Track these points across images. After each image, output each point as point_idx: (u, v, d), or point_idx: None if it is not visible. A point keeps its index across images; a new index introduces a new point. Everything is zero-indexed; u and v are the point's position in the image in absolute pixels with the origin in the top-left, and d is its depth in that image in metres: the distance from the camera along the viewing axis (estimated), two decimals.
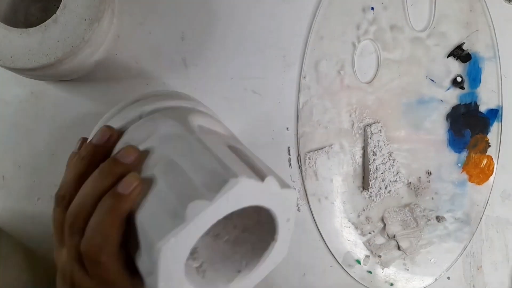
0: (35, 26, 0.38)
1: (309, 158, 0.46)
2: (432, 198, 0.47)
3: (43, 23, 0.38)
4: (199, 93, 0.47)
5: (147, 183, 0.28)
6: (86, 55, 0.41)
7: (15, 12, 0.44)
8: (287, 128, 0.47)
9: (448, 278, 0.47)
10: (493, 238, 0.48)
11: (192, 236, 0.26)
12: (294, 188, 0.40)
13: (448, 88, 0.48)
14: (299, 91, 0.46)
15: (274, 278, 0.46)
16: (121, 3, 0.46)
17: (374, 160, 0.46)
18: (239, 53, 0.47)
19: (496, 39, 0.48)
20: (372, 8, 0.47)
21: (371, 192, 0.46)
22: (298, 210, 0.47)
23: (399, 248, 0.46)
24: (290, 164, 0.47)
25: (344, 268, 0.46)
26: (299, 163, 0.46)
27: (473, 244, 0.47)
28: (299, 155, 0.46)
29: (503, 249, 0.48)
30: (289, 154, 0.47)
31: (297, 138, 0.46)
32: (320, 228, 0.46)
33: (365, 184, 0.47)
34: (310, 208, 0.46)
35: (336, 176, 0.47)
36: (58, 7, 0.38)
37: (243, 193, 0.26)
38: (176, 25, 0.47)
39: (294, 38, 0.47)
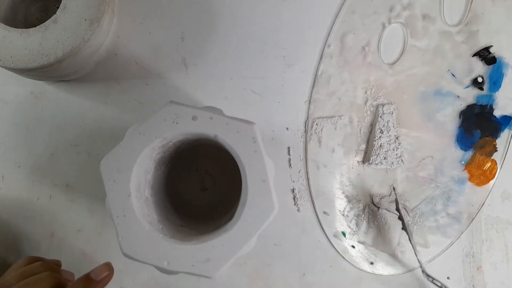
0: (35, 26, 0.38)
1: (316, 124, 0.47)
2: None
3: (43, 23, 0.38)
4: (199, 93, 0.47)
5: None
6: (86, 55, 0.41)
7: (15, 12, 0.44)
8: (287, 128, 0.47)
9: (448, 278, 0.47)
10: (493, 238, 0.48)
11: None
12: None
13: (467, 86, 0.48)
14: (321, 58, 0.47)
15: (274, 278, 0.46)
16: (121, 3, 0.46)
17: (380, 137, 0.46)
18: (239, 53, 0.47)
19: None
20: None
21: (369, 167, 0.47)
22: (298, 210, 0.47)
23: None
24: (290, 164, 0.47)
25: (327, 236, 0.46)
26: (306, 127, 0.47)
27: (473, 244, 0.47)
28: (307, 119, 0.47)
29: (503, 249, 0.48)
30: (289, 154, 0.47)
31: (309, 103, 0.47)
32: (312, 192, 0.47)
33: (365, 158, 0.47)
34: (307, 172, 0.47)
35: (338, 147, 0.47)
36: (58, 7, 0.38)
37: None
38: (176, 25, 0.47)
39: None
